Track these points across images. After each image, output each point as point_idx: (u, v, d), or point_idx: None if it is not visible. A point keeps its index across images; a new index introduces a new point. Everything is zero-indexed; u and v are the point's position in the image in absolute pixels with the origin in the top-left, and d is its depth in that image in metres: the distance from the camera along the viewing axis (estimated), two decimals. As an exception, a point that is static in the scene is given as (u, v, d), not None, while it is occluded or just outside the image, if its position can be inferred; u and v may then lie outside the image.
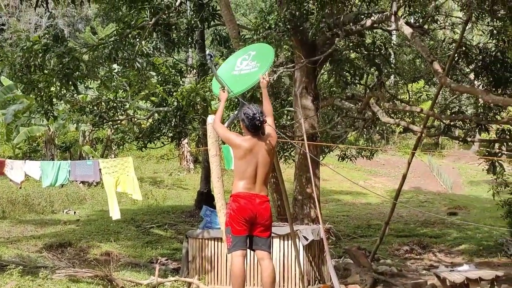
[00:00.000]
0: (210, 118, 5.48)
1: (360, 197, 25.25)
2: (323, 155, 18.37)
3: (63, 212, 17.25)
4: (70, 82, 7.85)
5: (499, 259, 14.22)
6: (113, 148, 23.50)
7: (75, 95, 12.37)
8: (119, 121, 13.56)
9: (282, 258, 7.59)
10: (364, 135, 18.64)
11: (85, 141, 22.87)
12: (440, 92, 17.42)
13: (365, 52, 12.69)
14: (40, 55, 8.39)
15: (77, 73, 8.11)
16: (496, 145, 13.53)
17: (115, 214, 7.89)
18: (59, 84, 7.80)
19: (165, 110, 12.65)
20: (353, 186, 26.82)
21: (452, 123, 12.22)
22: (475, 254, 14.92)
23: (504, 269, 12.45)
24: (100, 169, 7.78)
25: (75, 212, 17.20)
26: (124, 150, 23.44)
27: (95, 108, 12.10)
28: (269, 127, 5.18)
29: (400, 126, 16.99)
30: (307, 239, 7.47)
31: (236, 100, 8.57)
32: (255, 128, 4.99)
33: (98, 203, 18.54)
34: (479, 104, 12.68)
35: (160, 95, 11.95)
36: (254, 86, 5.67)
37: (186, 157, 28.27)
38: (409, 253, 15.56)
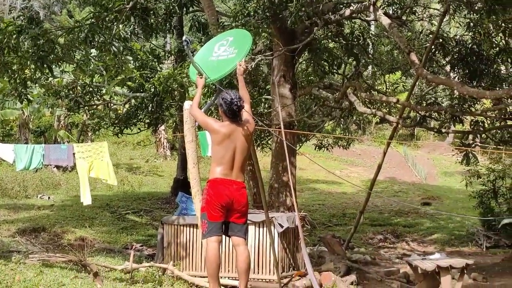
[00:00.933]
0: (186, 104, 5.45)
1: (336, 186, 25.44)
2: (300, 144, 18.45)
3: (37, 197, 17.05)
4: (45, 65, 7.72)
5: (470, 249, 14.52)
6: (89, 134, 23.26)
7: (50, 78, 12.19)
8: (95, 106, 13.40)
9: (257, 245, 7.62)
10: (341, 125, 18.76)
11: (60, 125, 22.56)
12: (417, 83, 17.61)
13: (344, 42, 12.74)
14: (14, 36, 8.22)
15: (52, 56, 7.96)
16: (470, 136, 13.76)
17: (86, 199, 7.82)
18: (33, 66, 7.65)
19: (142, 95, 12.54)
20: (329, 175, 26.99)
21: (427, 114, 12.35)
22: (447, 243, 15.20)
23: (474, 258, 12.70)
24: (74, 154, 7.69)
25: (49, 197, 17.01)
26: (100, 136, 23.23)
27: (71, 92, 11.93)
28: (247, 114, 5.18)
29: (377, 117, 17.14)
30: (282, 227, 7.51)
31: (214, 86, 8.54)
32: (233, 113, 4.99)
33: (73, 188, 18.35)
34: (454, 96, 12.84)
35: (137, 81, 11.84)
36: (231, 73, 5.64)
37: (163, 144, 28.13)
38: (382, 242, 15.78)
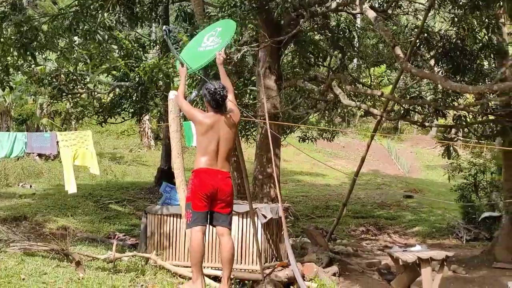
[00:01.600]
0: (171, 94, 5.44)
1: (320, 178, 25.57)
2: (284, 136, 18.48)
3: (18, 185, 16.89)
4: (28, 52, 7.63)
5: (450, 241, 14.72)
6: (72, 122, 23.06)
7: (33, 66, 12.05)
8: (78, 95, 13.29)
9: (241, 236, 7.65)
10: (326, 117, 18.83)
11: (42, 113, 22.34)
12: (401, 77, 17.72)
13: (329, 35, 12.76)
14: (-3, 23, 8.11)
15: (35, 43, 7.86)
16: (453, 130, 13.87)
17: (71, 188, 7.76)
18: (16, 53, 7.55)
19: (126, 85, 12.46)
20: (313, 168, 27.12)
21: (411, 107, 12.44)
22: (428, 236, 15.38)
23: (455, 250, 12.87)
24: (57, 142, 7.63)
25: (31, 186, 16.86)
26: (83, 125, 23.07)
27: (54, 80, 11.81)
28: (232, 104, 5.20)
29: (361, 110, 17.22)
30: (265, 217, 7.54)
31: (199, 77, 8.51)
32: (217, 103, 4.99)
33: (55, 177, 18.23)
34: (438, 90, 12.95)
35: (121, 70, 11.75)
36: (211, 62, 5.64)
37: (147, 133, 28.02)
38: (365, 234, 15.93)
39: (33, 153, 7.86)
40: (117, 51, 10.12)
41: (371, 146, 14.00)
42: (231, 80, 9.10)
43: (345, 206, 13.65)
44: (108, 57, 8.44)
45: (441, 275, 7.85)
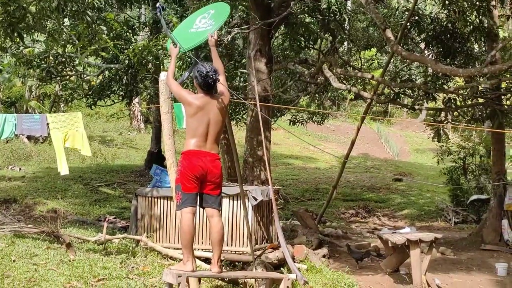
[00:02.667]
0: (162, 75, 5.41)
1: (310, 161, 25.62)
2: (275, 119, 18.47)
3: (7, 168, 16.80)
4: (16, 33, 7.52)
5: (439, 224, 14.86)
6: (61, 105, 22.88)
7: (21, 47, 11.92)
8: (67, 77, 13.17)
9: (231, 218, 7.66)
10: (316, 101, 18.81)
11: (31, 96, 22.14)
12: (392, 60, 17.72)
13: (320, 17, 12.70)
14: (-17, 2, 7.96)
15: (23, 24, 7.74)
16: (442, 113, 13.93)
17: (63, 169, 7.73)
18: (3, 33, 7.45)
19: (116, 67, 12.36)
20: (303, 151, 27.19)
21: (401, 91, 12.46)
22: (417, 218, 15.51)
23: (443, 232, 13.02)
24: (48, 124, 7.58)
25: (20, 169, 16.78)
26: (72, 107, 22.91)
27: (43, 62, 11.68)
28: (222, 86, 5.18)
29: (351, 93, 17.24)
30: (256, 199, 7.55)
31: (190, 59, 8.48)
32: (208, 86, 4.98)
33: (45, 160, 18.14)
34: (428, 73, 12.96)
35: (111, 52, 11.65)
36: (202, 43, 5.61)
37: (137, 116, 27.89)
38: (354, 216, 16.04)
39: (22, 134, 7.76)
40: (106, 32, 10.00)
41: (361, 130, 14.04)
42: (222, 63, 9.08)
43: (335, 189, 13.71)
44: (96, 38, 8.33)
45: (429, 256, 7.93)
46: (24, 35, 10.24)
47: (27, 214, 11.43)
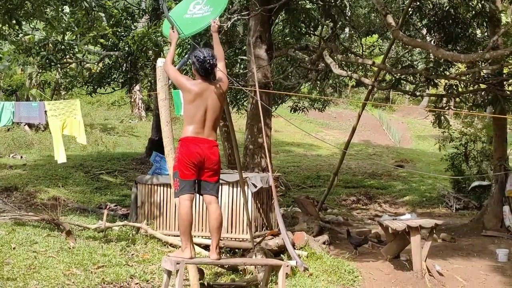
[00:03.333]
0: (160, 61, 5.36)
1: (311, 149, 25.59)
2: (276, 106, 18.41)
3: (9, 156, 16.79)
4: (14, 19, 7.45)
5: (440, 210, 14.84)
6: (62, 93, 22.83)
7: (20, 35, 11.85)
8: (67, 64, 13.10)
9: (231, 205, 7.65)
10: (317, 88, 18.74)
11: (32, 84, 22.07)
12: (393, 46, 17.61)
13: (321, 3, 12.61)
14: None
15: (21, 11, 7.67)
16: (444, 100, 13.87)
17: (60, 157, 7.71)
18: (1, 20, 7.38)
19: (116, 54, 12.29)
20: (305, 138, 27.14)
21: (402, 77, 12.39)
22: (418, 205, 15.50)
23: (444, 219, 13.01)
24: (45, 111, 7.55)
25: (21, 157, 16.77)
26: (73, 95, 22.84)
27: (42, 49, 11.61)
28: (221, 73, 5.14)
29: (353, 80, 17.16)
30: (256, 186, 7.54)
31: (189, 45, 8.41)
32: (206, 71, 4.93)
33: (46, 148, 18.12)
34: (429, 59, 12.88)
35: (110, 39, 11.56)
36: (204, 29, 5.56)
37: (138, 104, 27.81)
38: (355, 203, 16.03)
39: (21, 122, 7.72)
40: (105, 19, 9.91)
41: (362, 117, 13.99)
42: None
43: (336, 176, 13.68)
44: (95, 25, 8.26)
45: (430, 243, 7.91)
46: (24, 23, 10.18)
47: (28, 202, 11.44)
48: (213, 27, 5.30)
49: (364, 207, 15.65)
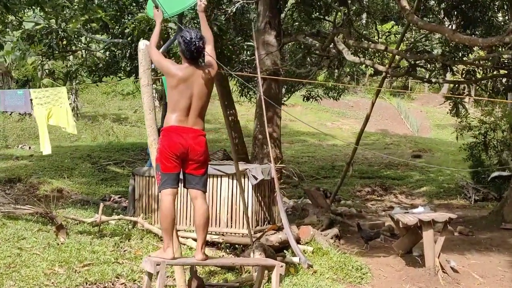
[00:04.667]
0: (142, 43, 4.95)
1: (327, 138, 25.09)
2: (289, 95, 17.97)
3: (17, 147, 16.62)
4: (1, 3, 7.09)
5: (458, 202, 14.32)
6: (73, 82, 22.58)
7: (24, 23, 11.54)
8: (70, 53, 12.77)
9: (231, 198, 7.24)
10: (334, 76, 18.25)
11: (43, 74, 21.90)
12: (411, 33, 17.00)
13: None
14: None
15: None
16: (462, 86, 13.30)
17: (46, 149, 7.35)
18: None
19: (120, 42, 11.91)
20: (320, 127, 26.68)
21: (417, 62, 11.88)
22: (435, 196, 14.99)
23: (462, 211, 12.51)
24: (31, 100, 7.20)
25: (30, 147, 16.58)
26: (87, 85, 22.60)
27: (44, 37, 11.29)
28: (210, 57, 4.72)
29: (370, 68, 16.60)
30: (256, 179, 7.12)
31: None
32: (192, 54, 4.51)
33: (56, 138, 17.90)
34: (448, 45, 12.34)
35: (106, 24, 11.05)
36: (190, 7, 5.12)
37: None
38: (370, 194, 15.56)
39: (6, 111, 7.38)
40: (97, 2, 9.46)
41: (380, 105, 13.53)
42: (227, 36, 8.52)
43: (350, 166, 13.18)
44: (88, 7, 7.82)
45: (443, 238, 7.45)
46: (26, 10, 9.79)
47: (31, 194, 11.17)
48: (199, 6, 4.87)
49: (379, 198, 15.18)
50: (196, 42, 4.50)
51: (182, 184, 4.60)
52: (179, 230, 7.19)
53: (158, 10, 4.89)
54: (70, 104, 23.21)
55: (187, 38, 4.50)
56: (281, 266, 4.55)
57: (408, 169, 18.65)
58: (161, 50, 4.92)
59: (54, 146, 16.84)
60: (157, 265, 4.12)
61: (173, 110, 4.48)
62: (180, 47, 4.56)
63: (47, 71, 21.30)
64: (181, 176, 4.59)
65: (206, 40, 4.67)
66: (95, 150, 16.45)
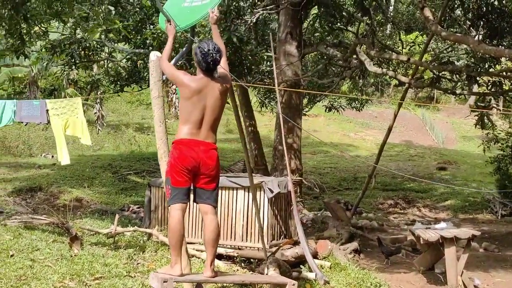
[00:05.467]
0: (152, 55, 4.88)
1: (350, 149, 24.82)
2: (311, 105, 17.82)
3: (41, 155, 16.76)
4: (21, 14, 7.12)
5: (484, 216, 13.95)
6: (99, 92, 22.78)
7: (48, 33, 11.65)
8: (92, 63, 12.84)
9: (246, 212, 7.12)
10: (358, 86, 18.06)
11: (67, 83, 22.13)
12: (437, 44, 16.73)
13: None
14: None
15: (28, 4, 7.35)
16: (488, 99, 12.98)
17: (64, 159, 7.34)
18: (8, 15, 7.07)
19: (141, 52, 11.93)
20: (343, 138, 26.43)
21: (441, 74, 11.65)
22: (460, 210, 14.64)
23: (488, 226, 12.16)
24: (47, 110, 7.20)
25: (52, 156, 16.70)
26: (108, 95, 22.76)
27: (66, 47, 11.36)
28: (223, 70, 4.62)
29: (391, 78, 16.35)
30: (272, 192, 6.98)
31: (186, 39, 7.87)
32: (208, 65, 4.41)
33: (80, 147, 18.03)
34: (475, 55, 12.09)
35: (138, 36, 11.15)
36: (202, 19, 5.02)
37: (175, 103, 27.57)
38: (393, 207, 15.26)
39: (22, 121, 7.42)
40: (114, 12, 9.47)
41: (404, 116, 13.30)
42: (246, 47, 8.40)
43: (371, 178, 12.99)
44: (102, 17, 7.80)
45: (466, 255, 7.18)
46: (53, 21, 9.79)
47: (51, 203, 11.22)
48: (211, 18, 4.77)
49: (402, 211, 14.87)
50: (214, 54, 4.41)
51: (193, 199, 4.49)
52: (193, 243, 7.12)
53: (170, 24, 4.81)
54: (95, 113, 23.53)
55: (205, 50, 4.41)
56: (293, 285, 4.40)
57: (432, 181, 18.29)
58: (172, 62, 4.84)
59: (77, 155, 17.01)
60: (164, 282, 4.01)
61: (185, 122, 4.39)
62: (196, 57, 4.48)
63: (69, 80, 21.46)
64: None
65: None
66: (117, 160, 16.50)
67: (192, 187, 4.47)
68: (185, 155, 4.31)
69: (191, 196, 4.52)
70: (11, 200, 10.36)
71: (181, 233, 4.30)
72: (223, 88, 4.53)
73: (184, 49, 5.20)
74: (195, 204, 4.61)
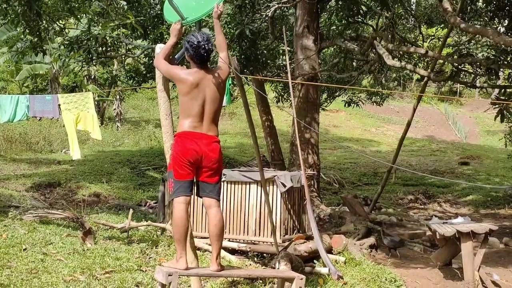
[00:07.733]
0: (158, 48, 4.86)
1: (371, 144, 24.61)
2: (330, 100, 17.68)
3: (61, 151, 16.92)
4: (34, 11, 7.16)
5: (506, 211, 13.68)
6: (119, 88, 22.91)
7: (66, 30, 11.73)
8: (108, 58, 12.89)
9: (259, 206, 7.07)
10: (379, 81, 17.87)
11: (88, 80, 22.30)
12: (457, 36, 16.43)
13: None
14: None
15: (41, 2, 7.39)
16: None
17: (75, 153, 7.38)
18: (21, 11, 7.12)
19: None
20: (364, 133, 26.22)
21: (462, 67, 11.44)
22: (481, 205, 14.39)
23: (510, 221, 11.94)
24: (59, 105, 7.24)
25: (72, 152, 16.84)
26: (125, 89, 22.88)
27: (83, 44, 11.43)
28: (221, 60, 4.59)
29: (411, 71, 16.12)
30: (285, 186, 6.92)
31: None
32: (201, 58, 4.39)
33: (100, 143, 18.16)
34: (496, 47, 11.84)
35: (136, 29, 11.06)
36: (207, 14, 4.96)
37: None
38: (413, 202, 15.07)
39: (35, 116, 7.47)
40: (126, 7, 9.46)
41: (427, 111, 13.13)
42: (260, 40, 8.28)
43: (390, 173, 12.83)
44: (116, 11, 7.80)
45: (483, 250, 7.03)
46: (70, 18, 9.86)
47: (69, 198, 11.31)
48: (215, 12, 4.72)
49: (422, 206, 14.67)
50: (205, 45, 4.37)
51: (196, 193, 4.46)
52: (202, 238, 7.10)
53: (177, 23, 4.76)
54: (114, 109, 23.63)
55: (195, 42, 4.39)
56: (301, 279, 4.34)
57: (454, 176, 18.03)
58: (177, 56, 4.81)
59: (96, 151, 17.13)
60: (169, 275, 3.99)
61: (186, 116, 4.36)
62: (187, 52, 4.45)
63: (87, 77, 21.60)
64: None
65: (220, 47, 4.59)
66: (136, 155, 16.58)
67: (194, 181, 4.45)
68: (187, 148, 4.28)
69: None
70: (29, 195, 10.46)
71: (186, 227, 4.27)
72: (220, 79, 4.50)
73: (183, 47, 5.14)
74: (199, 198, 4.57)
